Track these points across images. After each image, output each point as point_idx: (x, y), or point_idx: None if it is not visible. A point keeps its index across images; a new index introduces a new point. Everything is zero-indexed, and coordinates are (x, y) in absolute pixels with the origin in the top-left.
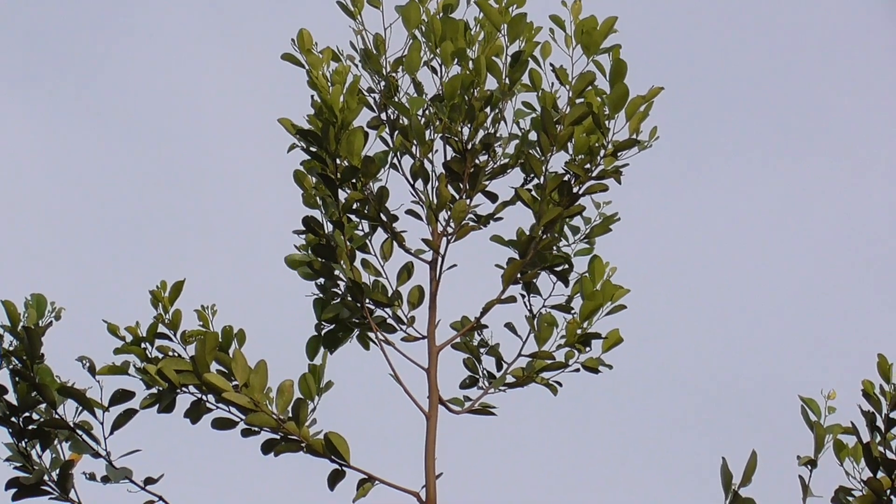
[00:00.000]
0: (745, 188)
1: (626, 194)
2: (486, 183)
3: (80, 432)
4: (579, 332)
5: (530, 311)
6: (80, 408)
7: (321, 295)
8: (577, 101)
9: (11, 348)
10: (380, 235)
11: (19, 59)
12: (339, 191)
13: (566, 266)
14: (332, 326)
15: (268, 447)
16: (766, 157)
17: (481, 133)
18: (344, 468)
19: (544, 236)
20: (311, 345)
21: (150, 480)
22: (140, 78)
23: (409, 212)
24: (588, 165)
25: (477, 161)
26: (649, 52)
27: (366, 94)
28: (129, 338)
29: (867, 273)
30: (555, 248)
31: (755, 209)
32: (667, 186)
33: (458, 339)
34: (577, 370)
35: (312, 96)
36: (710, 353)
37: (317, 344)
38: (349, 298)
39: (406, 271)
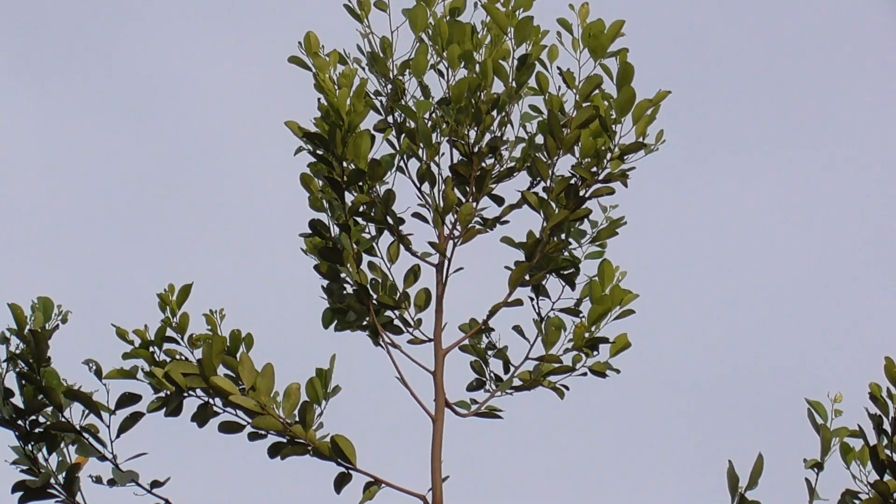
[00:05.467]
0: (751, 184)
1: (631, 194)
2: (493, 186)
3: (86, 435)
4: (587, 335)
5: (538, 314)
6: (87, 411)
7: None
8: (584, 104)
9: (18, 351)
10: (386, 238)
11: (28, 55)
12: (346, 194)
13: (573, 270)
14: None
15: (274, 450)
16: (771, 153)
17: (488, 136)
18: (350, 471)
19: (552, 239)
20: (327, 316)
21: (156, 484)
22: (147, 81)
23: (416, 215)
24: (595, 169)
25: (483, 164)
26: (653, 50)
27: (372, 97)
28: (137, 342)
29: (876, 271)
30: (564, 251)
31: (762, 206)
32: (671, 185)
33: (465, 342)
34: (585, 374)
35: (319, 99)
36: (715, 355)
37: (332, 316)
38: (356, 301)
39: (413, 274)
